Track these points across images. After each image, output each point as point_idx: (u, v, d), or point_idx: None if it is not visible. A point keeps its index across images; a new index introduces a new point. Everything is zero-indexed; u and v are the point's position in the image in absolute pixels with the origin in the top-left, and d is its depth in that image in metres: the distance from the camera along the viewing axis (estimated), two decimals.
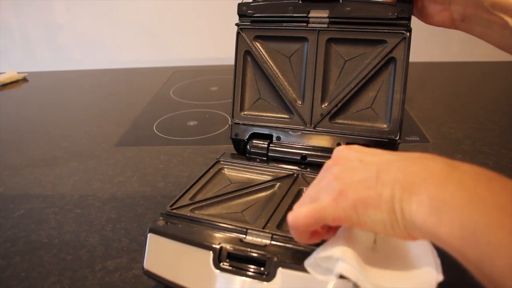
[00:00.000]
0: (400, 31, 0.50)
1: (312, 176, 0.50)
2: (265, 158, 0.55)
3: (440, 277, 0.29)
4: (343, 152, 0.34)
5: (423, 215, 0.25)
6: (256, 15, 0.55)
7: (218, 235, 0.40)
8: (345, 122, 0.54)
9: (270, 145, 0.56)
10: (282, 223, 0.41)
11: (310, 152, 0.54)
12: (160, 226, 0.42)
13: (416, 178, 0.27)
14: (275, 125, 0.56)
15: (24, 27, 1.34)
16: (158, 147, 0.78)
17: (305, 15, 0.53)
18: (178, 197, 0.46)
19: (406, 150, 0.53)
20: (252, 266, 0.37)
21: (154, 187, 0.65)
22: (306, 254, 0.36)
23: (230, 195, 0.47)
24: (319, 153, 0.53)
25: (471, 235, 0.23)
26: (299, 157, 0.54)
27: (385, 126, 0.52)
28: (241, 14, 0.56)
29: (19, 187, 0.68)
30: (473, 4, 0.44)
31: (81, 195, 0.65)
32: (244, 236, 0.40)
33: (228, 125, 0.63)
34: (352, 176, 0.30)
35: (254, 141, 0.57)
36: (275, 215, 0.42)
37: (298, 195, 0.47)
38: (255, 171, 0.52)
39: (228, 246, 0.38)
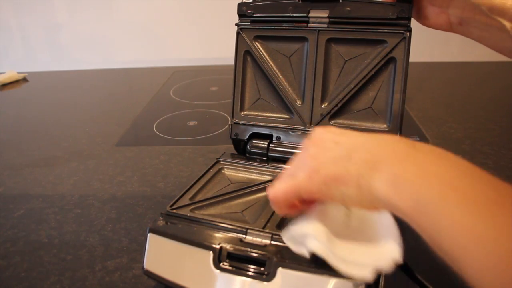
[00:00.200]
0: (400, 31, 0.50)
1: None
2: (265, 158, 0.55)
3: (398, 257, 0.32)
4: (319, 133, 0.37)
5: (384, 190, 0.29)
6: (256, 15, 0.55)
7: (218, 235, 0.40)
8: (345, 122, 0.54)
9: (270, 145, 0.56)
10: (282, 223, 0.41)
11: None
12: (160, 226, 0.42)
13: (380, 157, 0.30)
14: (275, 125, 0.56)
15: (24, 27, 1.34)
16: (158, 147, 0.78)
17: (305, 15, 0.53)
18: (178, 197, 0.46)
19: None
20: (252, 266, 0.37)
21: (154, 187, 0.65)
22: None
23: (230, 195, 0.47)
24: None
25: (421, 206, 0.26)
26: None
27: (385, 126, 0.52)
28: (241, 14, 0.56)
29: (19, 187, 0.68)
30: (471, 8, 0.44)
31: (81, 195, 0.65)
32: (244, 236, 0.40)
33: (228, 125, 0.63)
34: (325, 155, 0.33)
35: (254, 141, 0.57)
36: (275, 215, 0.42)
37: None
38: (255, 171, 0.52)
39: (228, 246, 0.38)
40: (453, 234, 0.25)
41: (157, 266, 0.41)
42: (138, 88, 1.16)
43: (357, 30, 0.52)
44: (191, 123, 0.88)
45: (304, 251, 0.35)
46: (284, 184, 0.35)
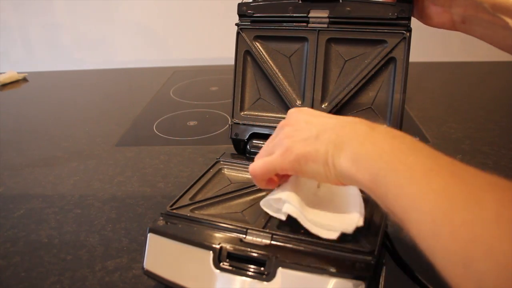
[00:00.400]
0: (400, 31, 0.50)
1: None
2: None
3: (360, 222, 0.37)
4: (294, 114, 0.41)
5: (347, 166, 0.33)
6: (256, 15, 0.55)
7: (218, 235, 0.40)
8: None
9: None
10: (282, 223, 0.41)
11: None
12: (160, 226, 0.42)
13: (344, 138, 0.34)
14: (275, 125, 0.55)
15: (24, 27, 1.35)
16: (158, 147, 0.78)
17: (305, 15, 0.53)
18: (178, 197, 0.46)
19: None
20: (252, 266, 0.37)
21: (154, 187, 0.65)
22: (306, 254, 0.36)
23: (230, 195, 0.47)
24: None
25: (376, 178, 0.30)
26: None
27: (385, 126, 0.51)
28: (241, 14, 0.56)
29: (19, 187, 0.68)
30: (473, 6, 0.44)
31: (81, 195, 0.65)
32: (244, 236, 0.40)
33: (228, 125, 0.63)
34: (298, 135, 0.37)
35: (254, 141, 0.57)
36: None
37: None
38: None
39: (228, 246, 0.38)
40: (401, 200, 0.29)
41: (157, 266, 0.41)
42: (138, 88, 1.16)
43: (357, 30, 0.52)
44: (191, 123, 0.88)
45: (280, 215, 0.39)
46: (261, 162, 0.39)
